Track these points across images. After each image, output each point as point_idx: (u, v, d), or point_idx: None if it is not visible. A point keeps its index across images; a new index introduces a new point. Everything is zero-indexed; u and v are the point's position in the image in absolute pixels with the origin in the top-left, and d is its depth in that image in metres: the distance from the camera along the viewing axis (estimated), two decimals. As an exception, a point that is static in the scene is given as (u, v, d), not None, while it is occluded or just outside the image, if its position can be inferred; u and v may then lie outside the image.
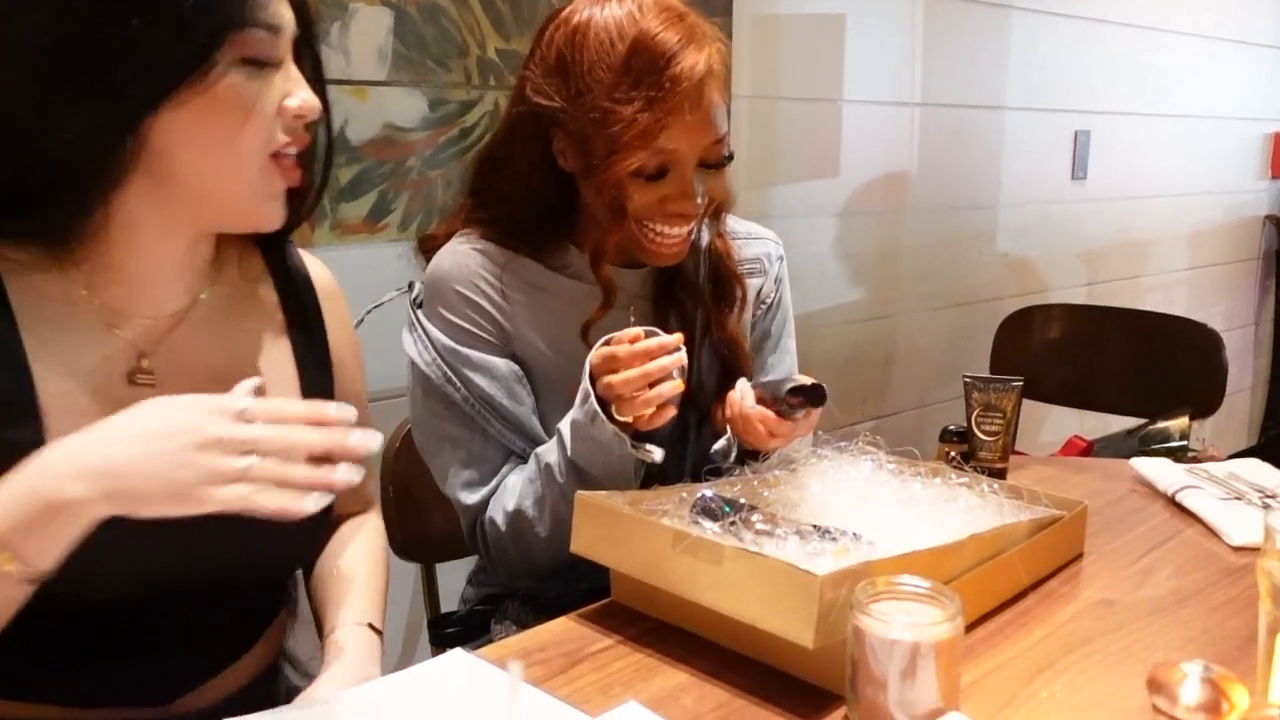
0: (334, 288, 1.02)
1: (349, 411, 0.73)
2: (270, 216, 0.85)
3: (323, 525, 0.96)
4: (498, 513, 1.11)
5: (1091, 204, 3.13)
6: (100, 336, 0.83)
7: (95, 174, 0.77)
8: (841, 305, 2.44)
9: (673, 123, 1.03)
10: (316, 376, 0.95)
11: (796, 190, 2.28)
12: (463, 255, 1.14)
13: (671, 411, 1.02)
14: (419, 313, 1.15)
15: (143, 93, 0.75)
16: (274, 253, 0.96)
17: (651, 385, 1.00)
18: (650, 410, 1.01)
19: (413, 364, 1.13)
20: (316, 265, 1.01)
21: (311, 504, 0.69)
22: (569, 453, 1.05)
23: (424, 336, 1.13)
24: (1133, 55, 3.16)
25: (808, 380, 1.05)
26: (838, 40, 2.34)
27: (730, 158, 1.12)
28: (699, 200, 1.08)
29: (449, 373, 1.11)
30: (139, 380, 0.84)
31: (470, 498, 1.13)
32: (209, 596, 0.86)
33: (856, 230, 2.47)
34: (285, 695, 0.99)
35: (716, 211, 1.19)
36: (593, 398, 1.02)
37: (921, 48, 2.52)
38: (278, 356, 0.93)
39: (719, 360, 1.21)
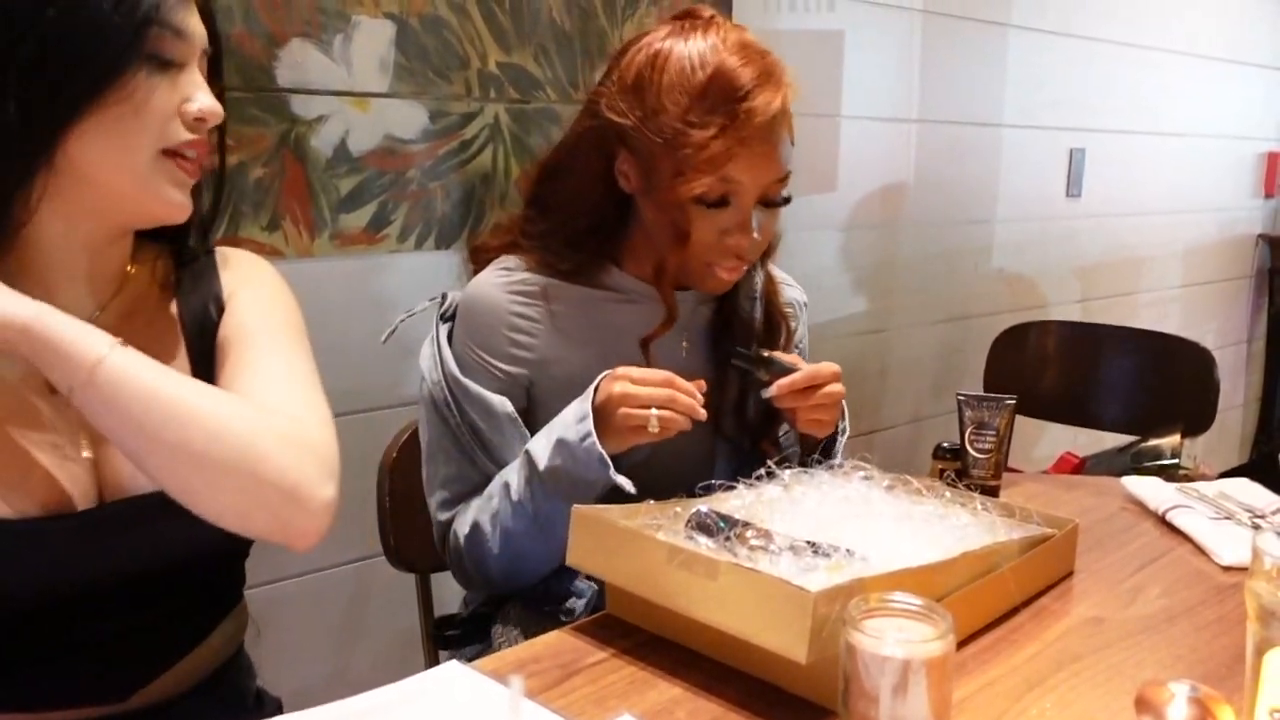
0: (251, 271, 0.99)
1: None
2: (170, 207, 0.85)
3: None
4: (462, 527, 1.16)
5: (1086, 221, 3.14)
6: None
7: (8, 185, 0.78)
8: (837, 319, 2.46)
9: (741, 153, 1.07)
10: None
11: (794, 204, 2.27)
12: (498, 287, 1.17)
13: (639, 439, 1.04)
14: (442, 328, 1.18)
15: (65, 102, 0.76)
16: (187, 267, 0.95)
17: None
18: (634, 426, 1.03)
19: (423, 377, 1.18)
20: (232, 273, 0.98)
21: None
22: (541, 466, 1.06)
23: (437, 354, 1.17)
24: (1128, 74, 3.18)
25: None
26: (836, 56, 2.35)
27: (789, 199, 1.16)
28: (755, 237, 1.12)
29: (448, 397, 1.15)
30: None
31: (443, 514, 1.19)
32: (152, 591, 0.86)
33: (853, 244, 2.48)
34: (249, 692, 1.00)
35: (767, 252, 1.25)
36: (590, 418, 1.04)
37: (919, 64, 2.53)
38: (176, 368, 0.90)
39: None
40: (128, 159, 0.80)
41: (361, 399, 1.63)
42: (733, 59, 1.08)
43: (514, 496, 1.09)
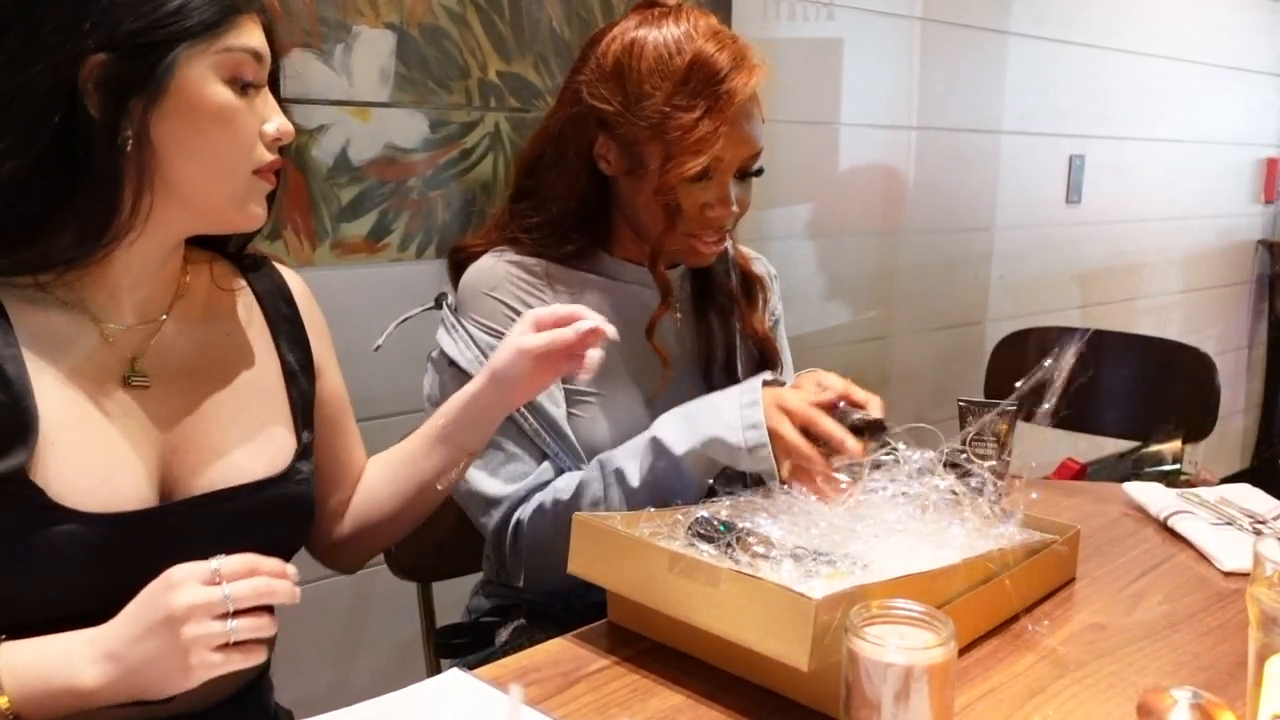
0: (309, 295, 1.06)
1: (293, 570, 0.81)
2: (254, 218, 0.90)
3: (307, 528, 0.99)
4: (543, 510, 1.13)
5: (1086, 227, 3.15)
6: (94, 343, 0.85)
7: (120, 207, 0.81)
8: (838, 326, 2.46)
9: (724, 132, 1.11)
10: (300, 377, 1.00)
11: (794, 212, 2.29)
12: (500, 268, 1.19)
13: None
14: (457, 316, 1.19)
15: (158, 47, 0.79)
16: (246, 261, 1.01)
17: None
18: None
19: (451, 363, 1.17)
20: (291, 276, 1.05)
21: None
22: (679, 452, 1.07)
23: (465, 335, 1.17)
24: (1128, 80, 3.18)
25: (871, 415, 1.13)
26: (835, 64, 2.36)
27: (761, 171, 1.20)
28: (734, 208, 1.16)
29: None
30: (134, 382, 0.87)
31: (504, 489, 1.15)
32: None
33: (853, 252, 2.48)
34: (269, 707, 1.02)
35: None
36: (765, 431, 1.05)
37: (918, 72, 2.54)
38: (263, 357, 0.97)
39: (751, 356, 1.30)
40: (224, 173, 0.85)
41: (363, 407, 1.62)
42: (708, 45, 1.12)
43: (633, 483, 1.09)
